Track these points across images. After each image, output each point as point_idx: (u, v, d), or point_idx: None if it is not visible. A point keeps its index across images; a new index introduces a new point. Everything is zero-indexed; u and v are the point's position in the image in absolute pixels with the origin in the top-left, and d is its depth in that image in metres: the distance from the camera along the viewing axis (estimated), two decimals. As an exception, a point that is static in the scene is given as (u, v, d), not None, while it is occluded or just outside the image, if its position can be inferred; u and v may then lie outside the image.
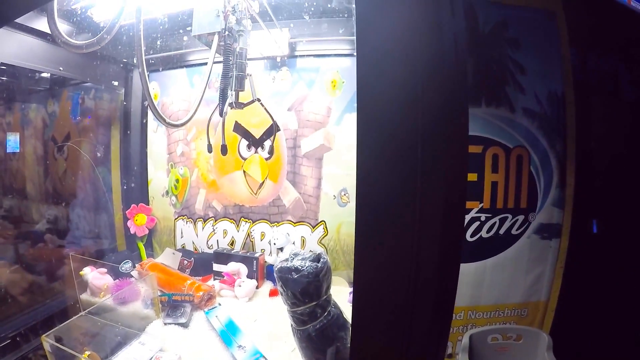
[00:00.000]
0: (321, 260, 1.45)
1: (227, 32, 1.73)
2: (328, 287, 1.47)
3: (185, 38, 2.52)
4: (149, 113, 2.82)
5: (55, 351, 1.67)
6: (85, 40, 1.80)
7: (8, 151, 2.62)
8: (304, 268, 1.39)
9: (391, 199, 0.85)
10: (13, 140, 2.61)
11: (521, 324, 2.27)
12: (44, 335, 1.68)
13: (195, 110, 1.85)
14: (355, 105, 2.20)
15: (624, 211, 2.21)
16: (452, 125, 0.88)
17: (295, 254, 1.49)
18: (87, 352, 1.67)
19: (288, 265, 1.41)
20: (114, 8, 1.85)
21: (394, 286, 0.89)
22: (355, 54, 2.18)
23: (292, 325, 1.48)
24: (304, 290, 1.38)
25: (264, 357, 1.69)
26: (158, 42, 2.47)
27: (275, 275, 1.45)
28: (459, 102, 0.89)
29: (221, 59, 1.77)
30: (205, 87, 1.81)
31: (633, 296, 2.10)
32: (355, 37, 0.86)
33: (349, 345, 1.47)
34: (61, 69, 2.36)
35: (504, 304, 2.29)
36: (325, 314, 1.42)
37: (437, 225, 0.86)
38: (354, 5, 2.01)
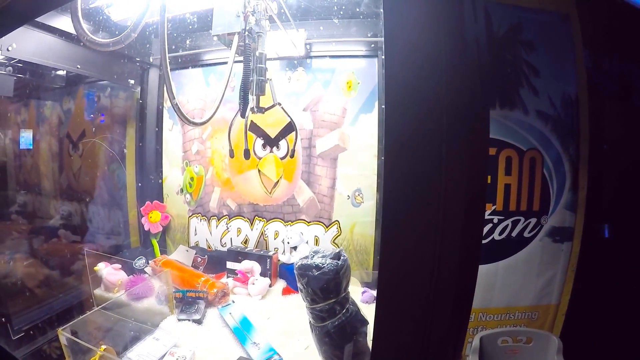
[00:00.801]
0: (341, 257, 1.46)
1: (246, 33, 1.74)
2: (347, 285, 1.48)
3: (201, 37, 2.55)
4: (165, 111, 2.85)
5: (71, 344, 1.69)
6: (103, 38, 1.83)
7: (22, 147, 2.65)
8: (325, 265, 1.41)
9: (416, 197, 0.86)
10: (26, 137, 2.65)
11: (531, 326, 2.27)
12: (60, 328, 1.70)
13: (216, 109, 1.87)
14: (371, 106, 2.23)
15: (636, 215, 2.20)
16: (474, 126, 0.89)
17: (316, 252, 1.51)
18: (103, 347, 1.69)
19: (309, 263, 1.43)
20: (136, 6, 1.89)
21: (417, 284, 0.90)
22: (374, 55, 2.20)
23: (310, 321, 1.49)
24: (325, 287, 1.40)
25: (277, 354, 1.71)
26: (176, 42, 2.49)
27: (295, 272, 1.47)
28: (480, 103, 0.91)
29: (239, 59, 1.80)
30: (226, 87, 1.82)
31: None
32: (383, 40, 0.87)
33: (366, 341, 1.49)
34: (79, 66, 2.39)
35: (514, 306, 2.29)
36: (344, 310, 1.44)
37: (459, 224, 0.87)
38: (373, 8, 2.04)
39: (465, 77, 0.86)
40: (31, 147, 2.72)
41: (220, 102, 1.82)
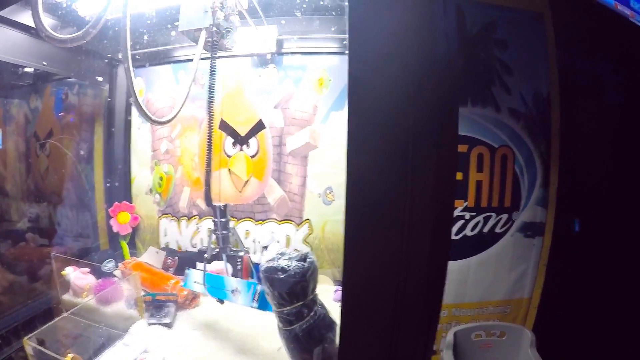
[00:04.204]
0: (307, 259, 1.45)
1: (214, 29, 1.71)
2: (314, 287, 1.47)
3: (172, 34, 2.49)
4: (133, 110, 2.79)
5: (37, 354, 1.64)
6: (70, 34, 1.76)
7: None
8: (291, 268, 1.39)
9: (382, 197, 0.85)
10: None
11: (505, 320, 2.29)
12: (26, 338, 1.65)
13: (181, 108, 1.83)
14: (342, 103, 2.22)
15: (606, 210, 2.24)
16: (443, 124, 0.88)
17: (282, 254, 1.49)
18: (70, 355, 1.65)
19: (274, 265, 1.41)
20: (99, 1, 1.83)
21: (384, 285, 0.89)
22: (346, 52, 2.18)
23: (278, 325, 1.47)
24: (291, 290, 1.38)
25: (258, 284, 1.69)
26: (145, 38, 2.43)
27: (261, 275, 1.45)
28: (450, 102, 0.90)
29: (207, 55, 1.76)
30: (191, 84, 1.79)
31: (613, 293, 2.14)
32: (347, 36, 0.85)
33: (335, 344, 1.47)
34: (45, 63, 2.34)
35: (487, 301, 2.31)
36: (312, 313, 1.43)
37: (428, 223, 0.87)
38: (345, 3, 2.01)
39: (434, 74, 0.85)
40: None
41: (185, 100, 1.79)
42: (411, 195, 0.85)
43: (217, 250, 1.97)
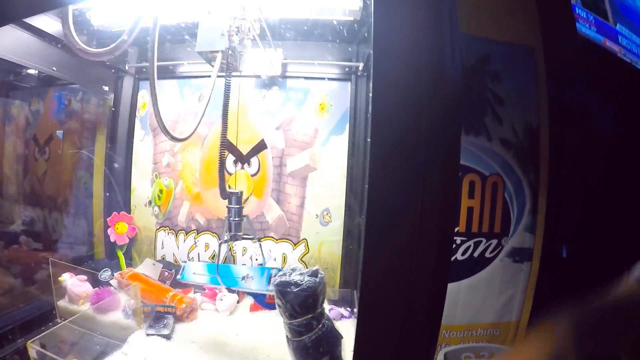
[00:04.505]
0: (319, 275, 1.53)
1: (230, 52, 1.79)
2: (323, 301, 1.54)
3: (177, 50, 2.54)
4: (137, 121, 2.84)
5: (41, 358, 1.67)
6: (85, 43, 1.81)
7: None
8: (303, 282, 1.47)
9: (397, 214, 0.92)
10: None
11: (494, 342, 2.34)
12: (29, 341, 1.67)
13: (198, 125, 1.91)
14: (342, 128, 2.29)
15: (592, 236, 2.31)
16: (449, 152, 0.95)
17: (293, 269, 1.57)
18: (73, 360, 1.68)
19: (288, 280, 1.49)
20: (122, 14, 1.89)
21: (395, 303, 0.96)
22: (347, 79, 2.24)
23: (287, 336, 1.54)
24: (303, 303, 1.46)
25: (272, 267, 1.77)
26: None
27: (274, 288, 1.51)
28: (455, 132, 0.97)
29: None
30: (208, 104, 1.85)
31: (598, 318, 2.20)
32: (372, 66, 0.92)
33: (340, 354, 1.55)
34: (54, 69, 2.36)
35: (477, 323, 2.37)
36: (320, 325, 1.50)
37: (434, 243, 0.93)
38: (347, 36, 2.10)
39: (441, 105, 0.92)
40: None
41: (202, 117, 1.85)
42: (421, 214, 0.92)
43: (230, 237, 1.99)
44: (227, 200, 1.96)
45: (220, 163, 1.85)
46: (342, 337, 1.58)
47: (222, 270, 1.93)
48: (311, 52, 2.38)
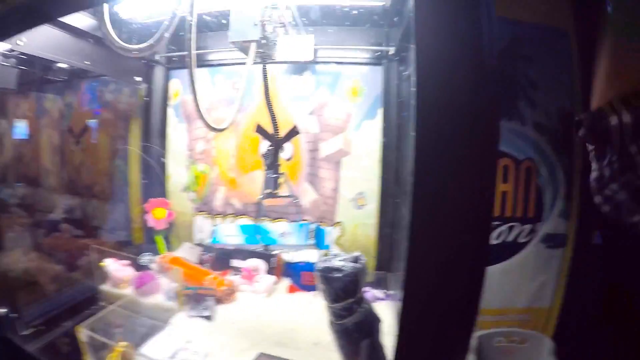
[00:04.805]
0: (359, 261, 1.57)
1: (263, 41, 1.81)
2: (363, 285, 1.58)
3: (208, 38, 2.58)
4: (169, 110, 2.91)
5: (90, 341, 1.76)
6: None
7: (17, 137, 2.66)
8: (346, 268, 1.51)
9: (439, 204, 0.94)
10: (22, 127, 2.66)
11: (525, 328, 2.35)
12: (79, 325, 1.78)
13: (235, 116, 1.95)
14: (374, 112, 2.29)
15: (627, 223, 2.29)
16: (489, 139, 0.97)
17: (335, 255, 1.61)
18: (122, 343, 1.75)
19: (330, 265, 1.53)
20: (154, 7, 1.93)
21: (435, 288, 0.98)
22: (379, 63, 2.23)
23: (330, 319, 1.58)
24: (345, 287, 1.50)
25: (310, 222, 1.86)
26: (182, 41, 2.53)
27: (317, 273, 1.55)
28: (495, 119, 0.98)
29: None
30: (243, 94, 1.89)
31: (632, 306, 2.19)
32: (415, 50, 0.94)
33: (379, 337, 1.59)
34: (87, 62, 2.40)
35: (509, 308, 2.37)
36: (361, 309, 1.54)
37: (474, 231, 0.95)
38: (378, 20, 2.09)
39: (481, 90, 0.94)
40: (26, 138, 2.73)
41: (238, 108, 1.89)
42: (463, 201, 0.94)
43: (267, 194, 2.03)
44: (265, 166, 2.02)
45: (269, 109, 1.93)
46: (381, 320, 1.61)
47: (258, 230, 1.99)
48: (342, 37, 2.39)
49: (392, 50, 2.36)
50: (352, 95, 2.45)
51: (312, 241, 1.78)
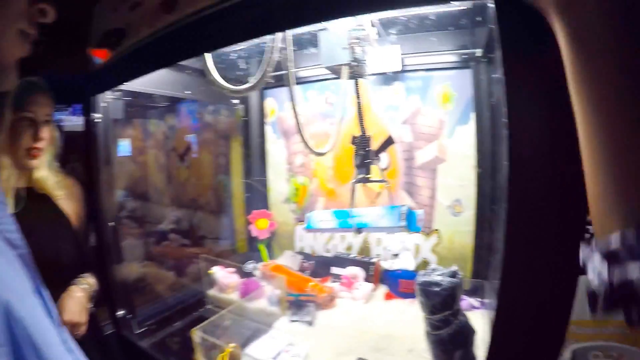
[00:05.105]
0: (457, 276, 1.62)
1: (355, 63, 1.91)
2: (459, 299, 1.62)
3: (299, 56, 2.69)
4: (267, 127, 3.11)
5: (203, 342, 1.94)
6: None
7: (121, 155, 2.91)
8: (444, 283, 1.57)
9: (535, 213, 0.95)
10: (125, 146, 2.92)
11: (624, 343, 2.19)
12: (194, 328, 1.96)
13: (336, 140, 2.18)
14: (467, 117, 2.27)
15: None
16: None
17: (434, 269, 1.67)
18: (232, 344, 1.90)
19: (429, 280, 1.59)
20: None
21: (529, 298, 1.00)
22: (474, 65, 2.19)
23: (427, 330, 1.64)
24: (443, 301, 1.55)
25: (404, 206, 1.90)
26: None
27: (417, 287, 1.61)
28: None
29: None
30: (342, 117, 2.04)
31: None
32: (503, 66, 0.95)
33: (473, 348, 1.61)
34: (187, 92, 2.66)
35: (607, 320, 2.22)
36: (457, 321, 1.58)
37: (568, 238, 0.94)
38: (463, 21, 2.08)
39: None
40: (130, 155, 2.98)
41: (340, 129, 2.13)
42: (558, 209, 0.93)
43: (359, 179, 2.13)
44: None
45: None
46: (476, 332, 1.62)
47: (350, 214, 2.03)
48: (427, 43, 2.35)
49: (478, 52, 2.30)
50: (443, 101, 2.43)
51: (403, 223, 1.82)
